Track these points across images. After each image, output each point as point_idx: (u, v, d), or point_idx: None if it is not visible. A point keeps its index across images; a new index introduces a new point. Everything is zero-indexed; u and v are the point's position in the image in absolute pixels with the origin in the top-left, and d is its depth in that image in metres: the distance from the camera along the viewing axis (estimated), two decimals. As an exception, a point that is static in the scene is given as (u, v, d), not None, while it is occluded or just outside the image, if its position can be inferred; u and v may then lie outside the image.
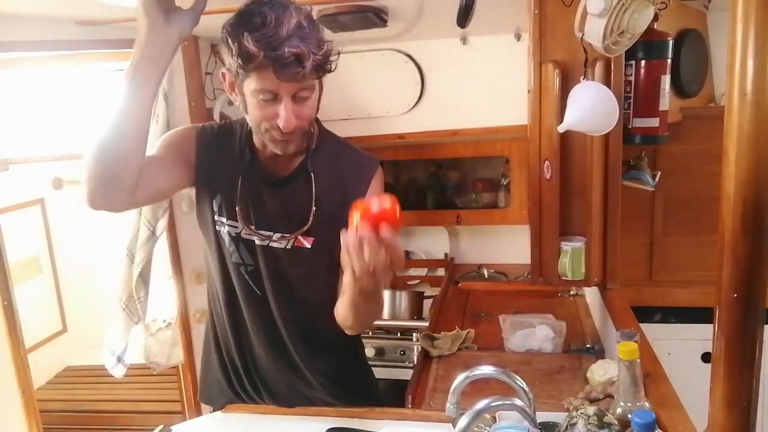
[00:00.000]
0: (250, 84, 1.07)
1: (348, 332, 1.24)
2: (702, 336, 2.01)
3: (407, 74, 2.31)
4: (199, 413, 2.02)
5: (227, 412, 1.39)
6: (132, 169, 1.05)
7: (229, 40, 1.04)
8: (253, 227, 1.25)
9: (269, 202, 1.26)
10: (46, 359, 3.17)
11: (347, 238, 0.89)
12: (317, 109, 1.17)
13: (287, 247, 1.26)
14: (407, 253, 2.86)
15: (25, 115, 2.87)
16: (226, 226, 1.26)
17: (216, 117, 2.15)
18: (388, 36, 2.19)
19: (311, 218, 1.22)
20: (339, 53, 1.11)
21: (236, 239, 1.26)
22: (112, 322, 2.20)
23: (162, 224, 2.08)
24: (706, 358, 2.12)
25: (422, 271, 2.83)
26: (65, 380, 3.22)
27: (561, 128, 1.42)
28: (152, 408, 2.78)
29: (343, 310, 1.16)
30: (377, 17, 1.84)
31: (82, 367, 3.29)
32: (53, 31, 1.82)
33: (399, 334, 2.27)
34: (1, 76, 2.58)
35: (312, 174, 1.24)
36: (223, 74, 1.14)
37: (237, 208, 1.23)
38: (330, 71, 1.11)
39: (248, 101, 1.11)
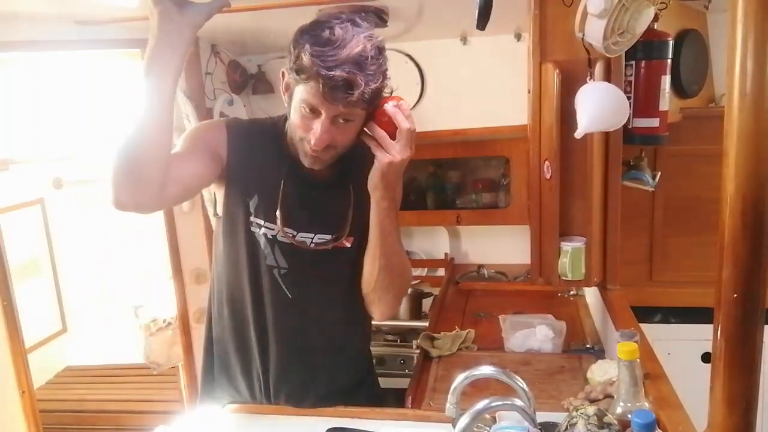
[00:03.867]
0: (299, 92, 1.09)
1: (375, 298, 1.30)
2: (702, 336, 2.00)
3: (407, 74, 2.31)
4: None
5: (228, 411, 1.38)
6: (158, 162, 1.03)
7: (292, 46, 1.06)
8: (293, 230, 1.25)
9: (312, 205, 1.26)
10: (46, 359, 3.17)
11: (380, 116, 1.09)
12: (354, 139, 1.16)
13: (329, 248, 1.27)
14: (407, 253, 2.85)
15: (24, 115, 2.86)
16: (263, 228, 1.24)
17: (216, 117, 2.15)
18: (388, 36, 2.16)
19: (351, 219, 1.26)
20: (392, 91, 1.13)
21: (272, 241, 1.25)
22: None
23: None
24: (706, 358, 2.12)
25: (422, 271, 2.84)
26: (65, 380, 3.22)
27: (578, 134, 1.40)
28: (152, 408, 2.78)
29: (369, 261, 1.26)
30: (377, 17, 1.83)
31: (81, 367, 3.29)
32: (53, 31, 1.82)
33: (399, 341, 2.28)
34: (1, 75, 2.58)
35: (352, 177, 1.26)
36: (282, 72, 1.15)
37: (278, 211, 1.22)
38: (376, 107, 1.11)
39: (294, 106, 1.12)
